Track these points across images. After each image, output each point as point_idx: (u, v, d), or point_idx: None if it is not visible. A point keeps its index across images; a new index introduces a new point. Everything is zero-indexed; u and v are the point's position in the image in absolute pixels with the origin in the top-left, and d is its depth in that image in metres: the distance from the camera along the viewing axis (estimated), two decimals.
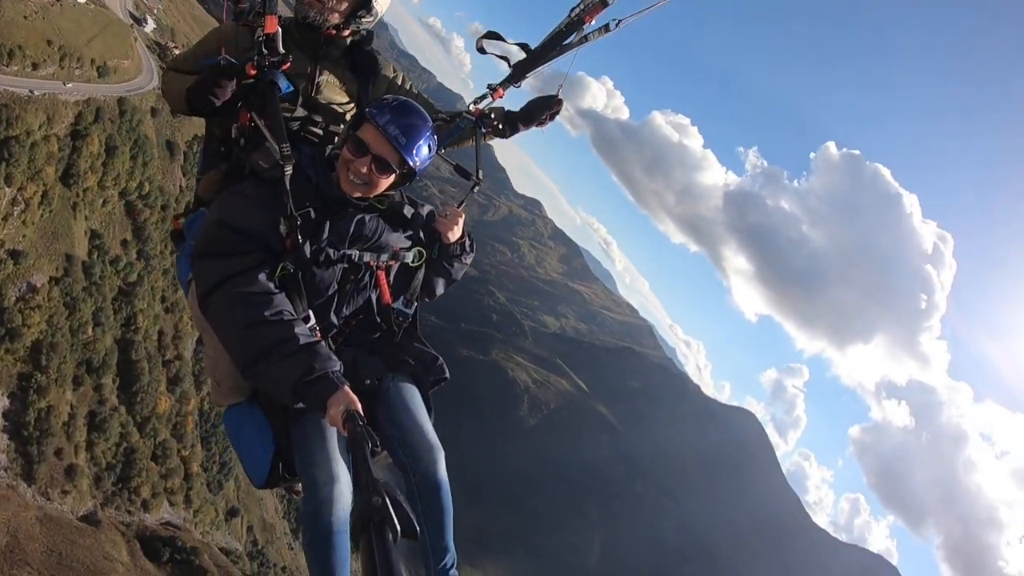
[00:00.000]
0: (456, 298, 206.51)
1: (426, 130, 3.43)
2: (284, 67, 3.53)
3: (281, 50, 3.49)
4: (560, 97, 4.18)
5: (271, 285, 3.22)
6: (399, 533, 2.08)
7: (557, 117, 4.26)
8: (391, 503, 2.13)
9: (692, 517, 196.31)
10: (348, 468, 3.16)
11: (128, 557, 62.55)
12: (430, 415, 3.60)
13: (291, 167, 3.32)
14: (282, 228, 3.28)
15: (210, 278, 3.19)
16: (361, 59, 4.05)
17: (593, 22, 3.93)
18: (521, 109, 4.27)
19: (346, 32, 3.92)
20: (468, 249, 3.92)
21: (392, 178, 3.48)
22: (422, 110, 3.50)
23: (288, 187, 3.30)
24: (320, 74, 3.89)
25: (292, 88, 3.61)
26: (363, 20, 3.88)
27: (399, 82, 4.28)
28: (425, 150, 3.43)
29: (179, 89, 3.68)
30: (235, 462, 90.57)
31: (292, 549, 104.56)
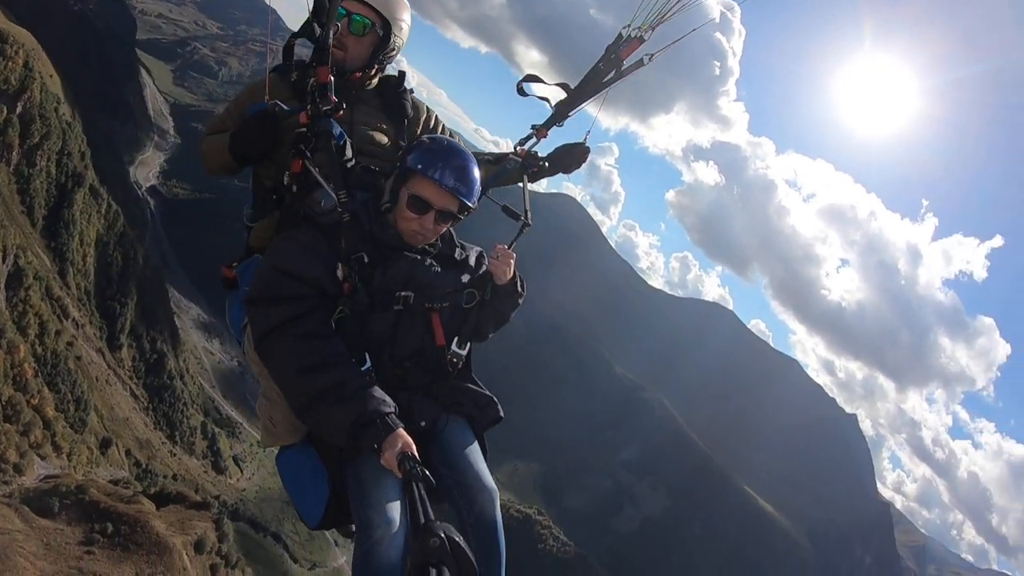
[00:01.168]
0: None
1: (475, 167, 3.54)
2: (337, 115, 3.57)
3: (334, 99, 3.53)
4: (587, 145, 4.38)
5: (326, 329, 3.30)
6: (460, 574, 2.07)
7: None
8: (450, 544, 2.12)
9: (535, 307, 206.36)
10: (403, 511, 3.16)
11: (22, 523, 55.65)
12: (485, 457, 3.65)
13: (348, 213, 3.41)
14: (339, 272, 3.36)
15: (266, 323, 3.25)
16: (393, 100, 4.10)
17: (629, 59, 4.05)
18: (553, 155, 4.36)
19: (372, 72, 4.00)
20: (520, 290, 3.93)
21: (453, 224, 3.65)
22: (463, 146, 3.59)
23: (350, 230, 3.41)
24: (354, 117, 3.89)
25: (345, 136, 3.64)
26: (387, 56, 3.98)
27: (432, 123, 4.30)
28: (479, 187, 3.55)
29: (221, 144, 3.75)
30: (92, 395, 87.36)
31: (174, 456, 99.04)
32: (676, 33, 4.06)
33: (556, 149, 4.40)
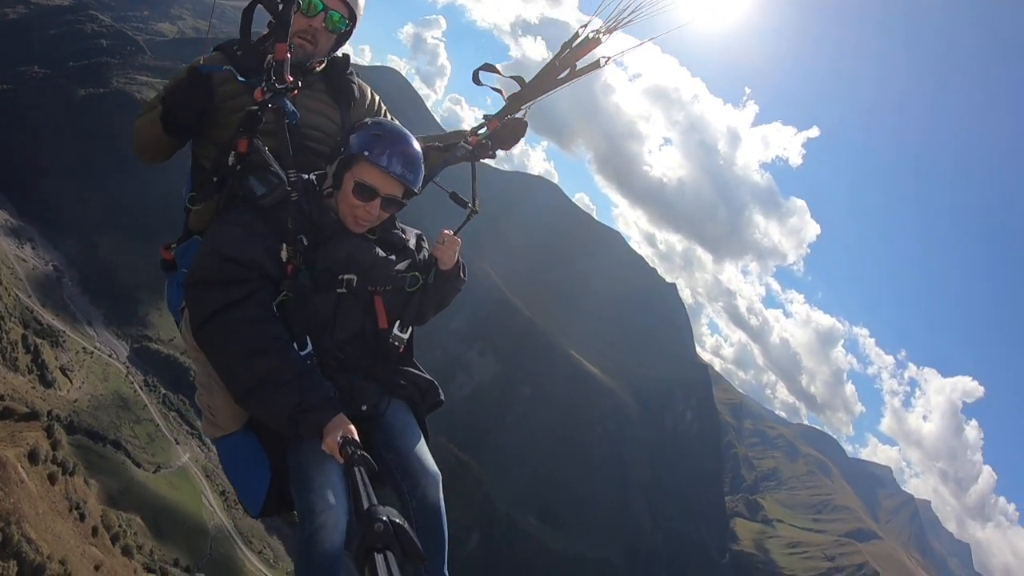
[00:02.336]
0: (56, 37, 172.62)
1: (421, 154, 3.59)
2: (292, 94, 3.51)
3: (290, 77, 3.48)
4: (525, 120, 4.33)
5: (267, 313, 3.29)
6: (405, 557, 2.09)
7: None
8: (394, 528, 2.13)
9: None
10: (346, 496, 3.19)
11: None
12: (426, 440, 3.70)
13: (296, 193, 3.41)
14: (283, 254, 3.35)
15: (205, 307, 3.25)
16: (340, 83, 4.04)
17: (584, 59, 4.09)
18: (492, 134, 4.34)
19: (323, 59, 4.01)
20: (462, 276, 3.97)
21: (397, 210, 3.68)
22: (406, 131, 3.60)
23: (291, 213, 3.38)
24: (298, 101, 3.71)
25: (297, 115, 3.55)
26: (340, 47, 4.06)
27: (376, 107, 4.27)
28: (422, 174, 3.63)
29: (152, 117, 3.63)
30: None
31: None
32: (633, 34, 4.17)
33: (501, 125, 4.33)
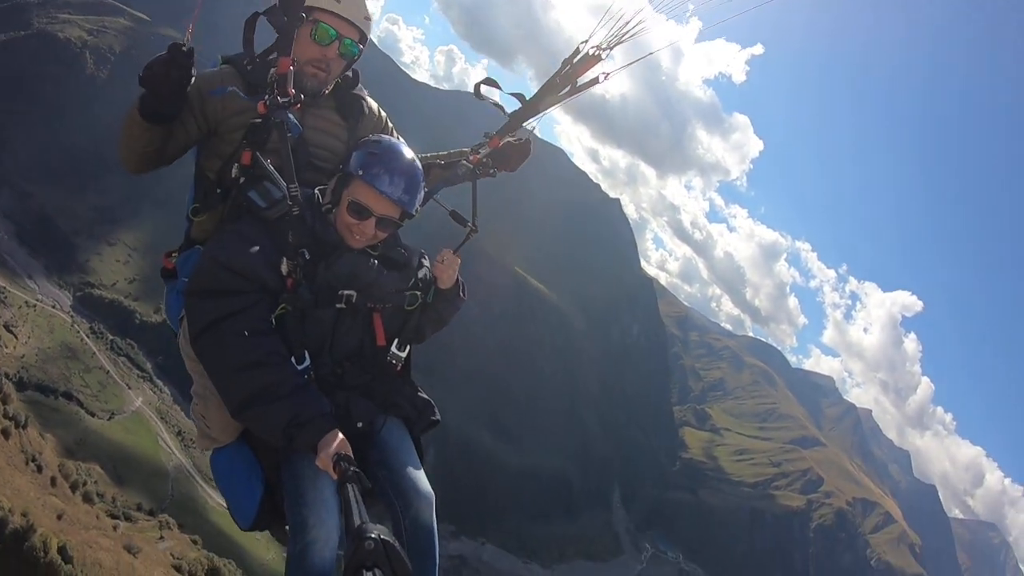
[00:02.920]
0: None
1: (420, 175, 3.57)
2: (295, 108, 3.55)
3: (292, 91, 3.51)
4: (529, 140, 4.35)
5: (265, 326, 3.30)
6: None
7: None
8: (385, 547, 2.15)
9: None
10: (338, 511, 3.19)
11: None
12: (422, 459, 3.69)
13: (298, 207, 3.41)
14: (284, 268, 3.37)
15: (203, 317, 3.26)
16: (347, 100, 4.03)
17: (585, 76, 4.07)
18: (495, 154, 4.31)
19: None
20: (461, 294, 3.99)
21: (394, 230, 3.69)
22: (408, 152, 3.58)
23: (294, 227, 3.40)
24: (305, 120, 3.78)
25: (300, 128, 3.59)
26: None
27: (383, 124, 4.25)
28: (421, 195, 3.59)
29: (131, 111, 3.46)
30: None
31: None
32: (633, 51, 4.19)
33: (504, 145, 4.30)
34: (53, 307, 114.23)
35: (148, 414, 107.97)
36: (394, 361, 3.74)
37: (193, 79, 3.41)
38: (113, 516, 55.08)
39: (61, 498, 45.91)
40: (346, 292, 3.50)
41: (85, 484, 60.56)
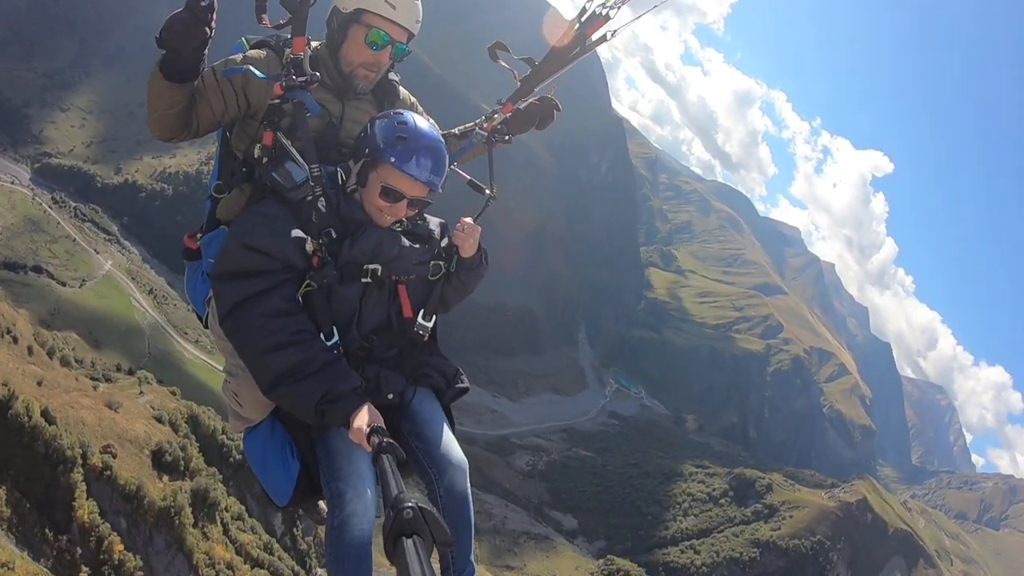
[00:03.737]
0: None
1: (445, 152, 3.57)
2: (312, 87, 3.55)
3: (308, 70, 3.54)
4: (556, 101, 4.37)
5: (292, 305, 3.35)
6: (434, 543, 2.13)
7: None
8: (423, 514, 2.17)
9: None
10: (374, 483, 3.25)
11: None
12: (452, 428, 3.75)
13: (321, 187, 3.46)
14: (309, 247, 3.39)
15: (231, 298, 3.31)
16: (384, 87, 4.07)
17: (594, 36, 4.07)
18: (523, 111, 4.34)
19: None
20: (484, 262, 4.01)
21: (425, 208, 3.73)
22: (432, 129, 3.58)
23: (317, 205, 3.44)
24: (345, 112, 3.89)
25: (319, 108, 3.62)
26: None
27: (413, 109, 4.23)
28: (448, 169, 3.63)
29: (152, 70, 3.39)
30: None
31: None
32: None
33: (528, 105, 4.31)
34: (12, 183, 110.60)
35: (118, 276, 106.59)
36: (421, 332, 3.74)
37: (211, 33, 3.28)
38: (93, 379, 53.38)
39: (40, 365, 44.59)
40: (371, 266, 3.51)
41: (62, 351, 58.84)
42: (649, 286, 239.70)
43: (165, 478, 39.98)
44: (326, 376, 3.17)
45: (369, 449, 2.85)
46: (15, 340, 43.64)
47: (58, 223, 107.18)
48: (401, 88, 4.17)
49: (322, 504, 3.87)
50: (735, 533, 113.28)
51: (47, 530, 28.88)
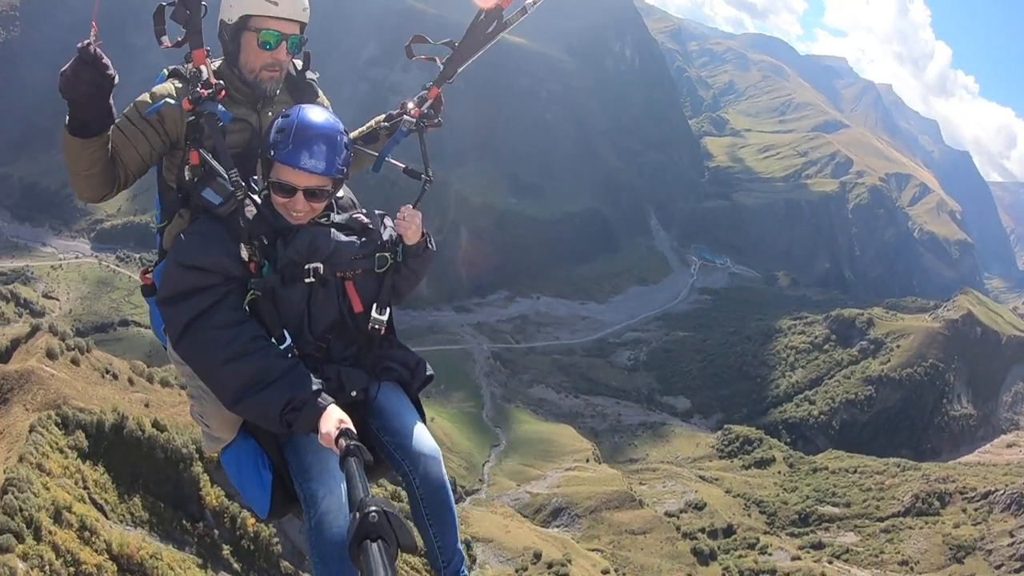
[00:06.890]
0: None
1: (336, 134, 3.43)
2: (220, 96, 3.51)
3: (213, 80, 3.52)
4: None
5: (241, 314, 3.33)
6: (399, 548, 2.12)
7: None
8: (388, 517, 2.16)
9: None
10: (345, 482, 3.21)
11: None
12: (422, 418, 3.76)
13: (243, 193, 3.39)
14: (243, 253, 3.36)
15: (180, 320, 3.29)
16: (301, 87, 4.07)
17: (508, 7, 4.00)
18: (435, 102, 4.32)
19: None
20: (429, 246, 3.95)
21: (329, 197, 3.56)
22: (320, 116, 3.44)
23: (244, 213, 3.38)
24: (263, 121, 3.83)
25: (231, 116, 3.56)
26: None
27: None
28: (344, 153, 3.46)
29: (62, 132, 3.34)
30: None
31: None
32: None
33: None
34: (77, 258, 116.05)
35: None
36: (376, 326, 3.69)
37: (115, 78, 3.24)
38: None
39: (143, 391, 47.45)
40: (311, 265, 3.46)
41: (162, 376, 62.03)
42: (708, 156, 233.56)
43: None
44: (287, 383, 3.16)
45: (338, 452, 2.82)
46: (115, 377, 46.51)
47: (129, 277, 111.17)
48: (321, 93, 4.19)
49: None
50: (846, 376, 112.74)
51: (184, 521, 31.37)
